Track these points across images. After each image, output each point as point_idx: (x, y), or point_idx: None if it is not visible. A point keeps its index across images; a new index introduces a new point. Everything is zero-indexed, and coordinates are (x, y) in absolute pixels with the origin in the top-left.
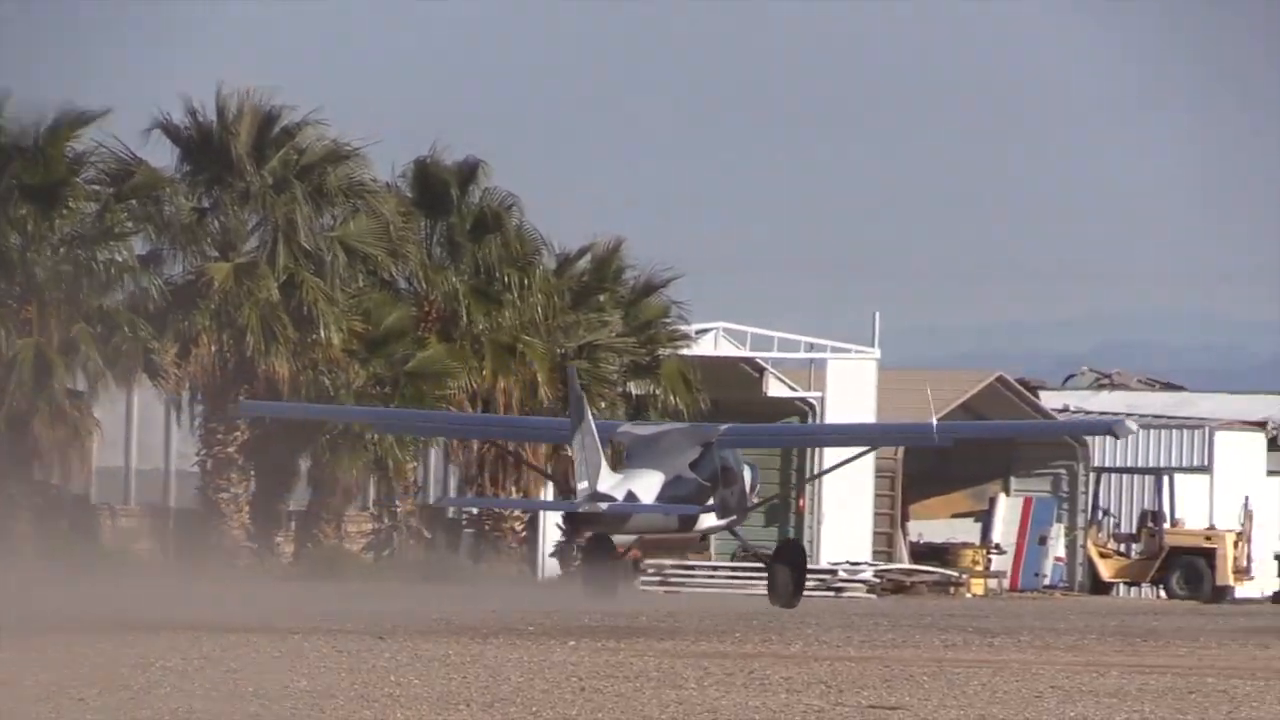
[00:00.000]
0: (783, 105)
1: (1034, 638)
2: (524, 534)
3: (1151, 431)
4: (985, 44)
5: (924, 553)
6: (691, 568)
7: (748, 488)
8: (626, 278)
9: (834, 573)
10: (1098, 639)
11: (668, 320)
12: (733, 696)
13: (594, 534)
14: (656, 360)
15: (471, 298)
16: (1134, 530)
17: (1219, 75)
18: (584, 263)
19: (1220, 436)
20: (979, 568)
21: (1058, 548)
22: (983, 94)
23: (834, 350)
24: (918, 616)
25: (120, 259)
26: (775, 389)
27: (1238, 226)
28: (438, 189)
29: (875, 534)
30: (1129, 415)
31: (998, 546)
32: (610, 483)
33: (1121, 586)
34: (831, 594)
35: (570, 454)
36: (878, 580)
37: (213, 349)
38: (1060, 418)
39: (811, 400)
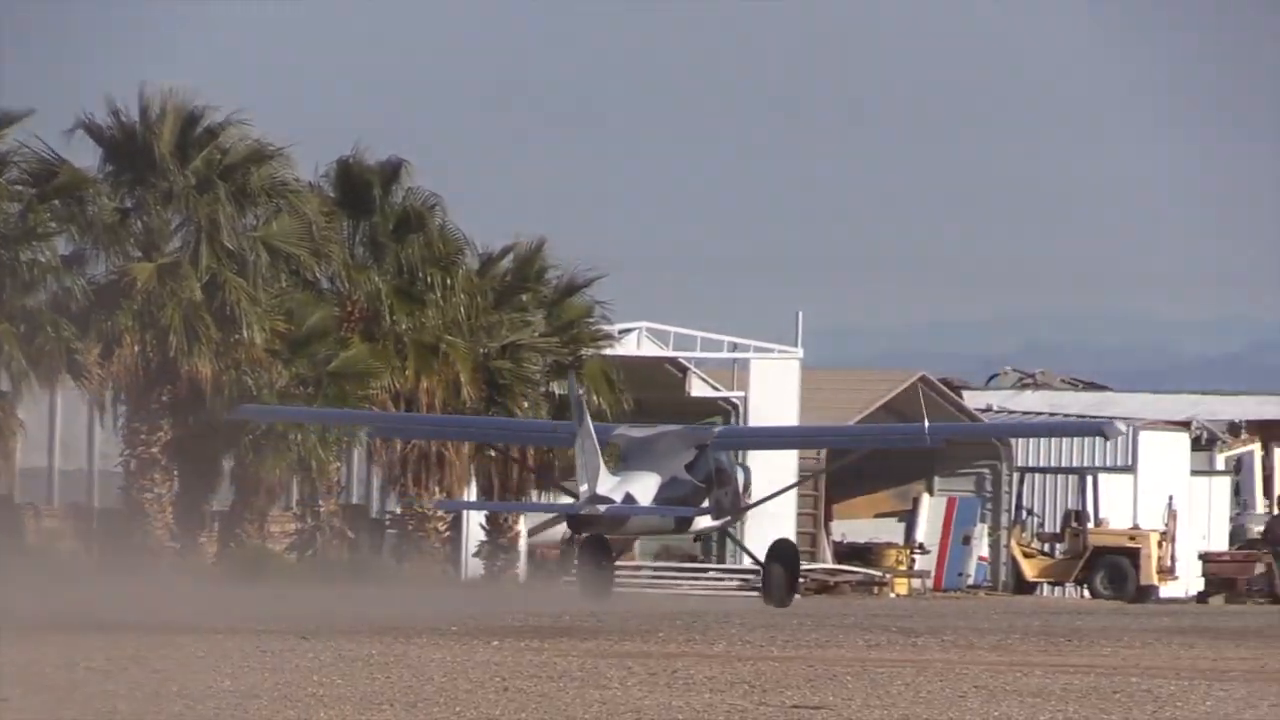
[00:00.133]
0: (705, 105)
1: (958, 637)
2: (447, 534)
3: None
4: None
5: (847, 553)
6: (615, 567)
7: (741, 488)
8: (549, 277)
9: (757, 573)
10: (1021, 639)
11: (591, 320)
12: (656, 696)
13: (590, 535)
14: (579, 360)
15: (394, 297)
16: (1058, 530)
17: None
18: (507, 262)
19: (1144, 436)
20: (903, 568)
21: (981, 547)
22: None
23: (757, 350)
24: (841, 616)
25: (43, 259)
26: (698, 389)
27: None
28: (360, 189)
29: (799, 534)
30: (1053, 413)
31: (921, 546)
32: (608, 485)
33: (1045, 586)
34: (755, 594)
35: (492, 454)
36: (802, 580)
37: (136, 349)
38: (985, 418)
39: (735, 400)
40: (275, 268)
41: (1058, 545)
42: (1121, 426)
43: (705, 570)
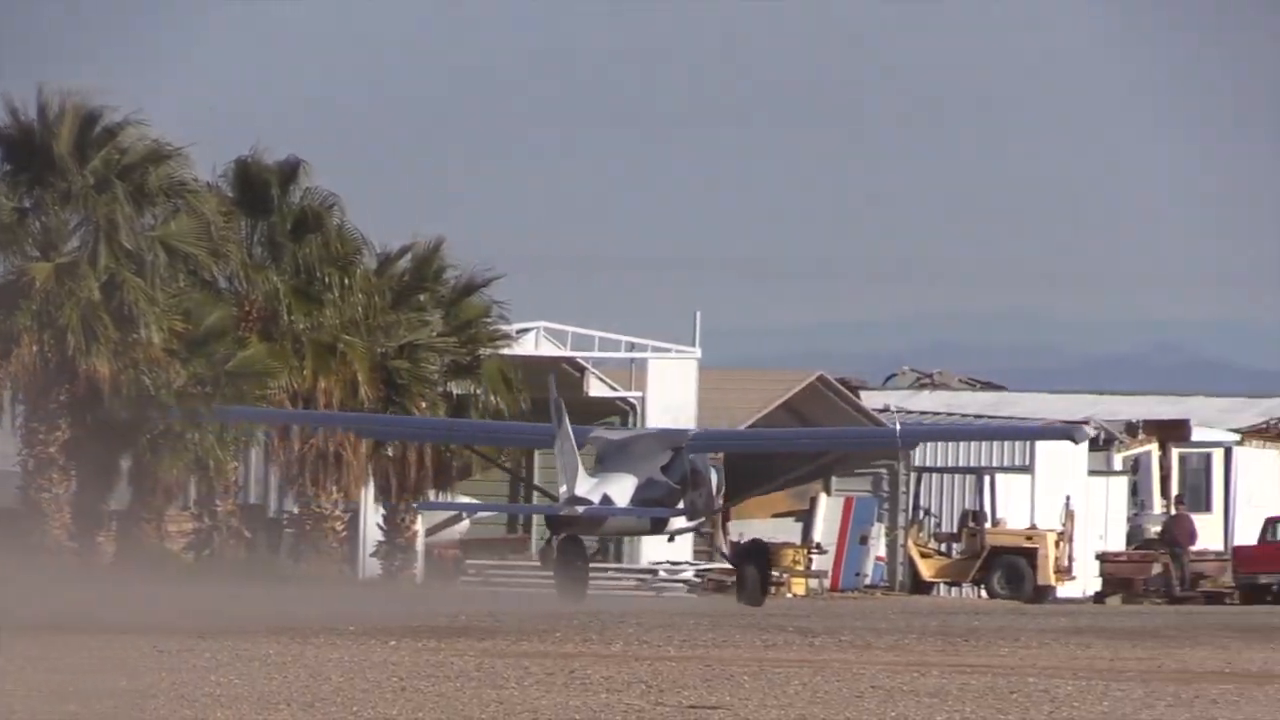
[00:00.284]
0: (603, 105)
1: (855, 637)
2: (344, 533)
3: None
4: (801, 45)
5: (745, 551)
6: (512, 567)
7: (714, 490)
8: (447, 277)
9: (654, 573)
10: (918, 639)
11: (488, 320)
12: (553, 696)
13: (567, 536)
14: (477, 360)
15: (292, 297)
16: (955, 530)
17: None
18: (405, 262)
19: None
20: (800, 567)
21: (879, 547)
22: (807, 91)
23: (655, 350)
24: (738, 616)
25: None
26: (596, 389)
27: (1060, 229)
28: (259, 189)
29: (696, 533)
30: (950, 414)
31: (819, 546)
32: (586, 486)
33: (942, 586)
34: (652, 594)
35: (390, 454)
36: (699, 580)
37: (34, 349)
38: (882, 418)
39: (633, 400)
40: (173, 267)
41: (955, 545)
42: (1090, 430)
43: (604, 570)
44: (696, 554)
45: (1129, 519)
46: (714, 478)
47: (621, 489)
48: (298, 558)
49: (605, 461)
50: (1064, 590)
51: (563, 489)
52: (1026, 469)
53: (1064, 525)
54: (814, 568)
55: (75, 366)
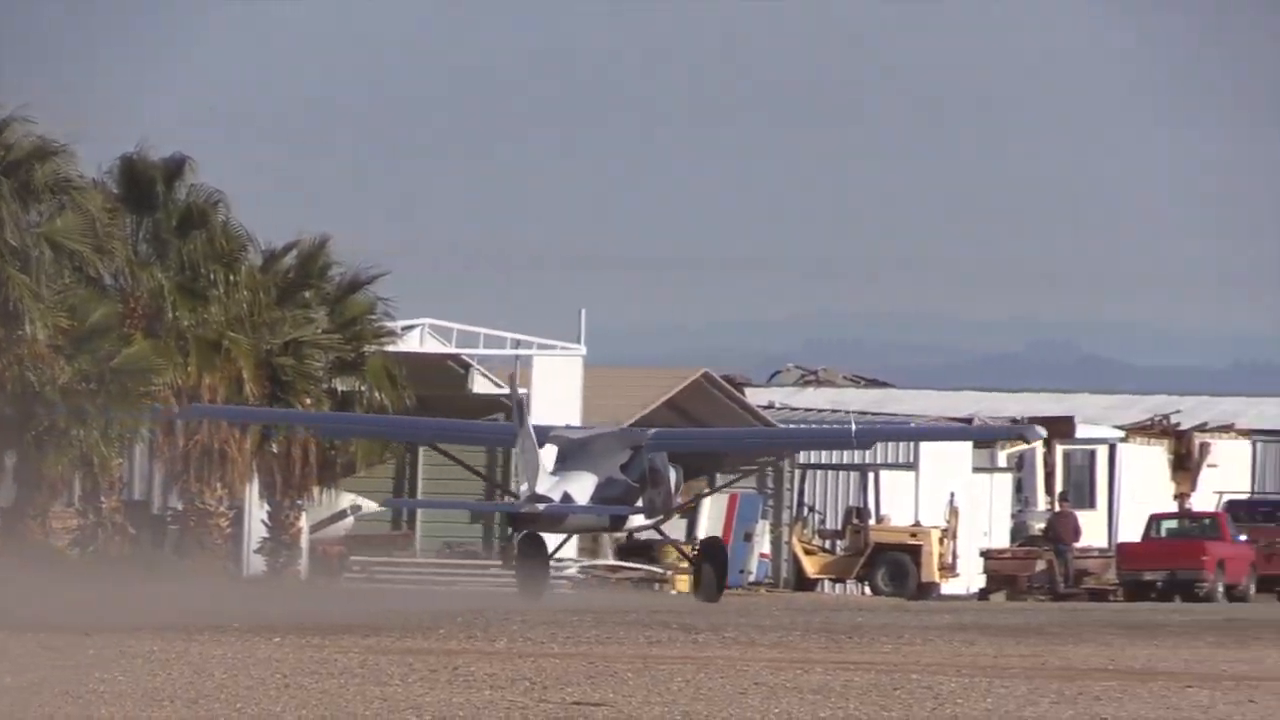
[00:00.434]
0: (488, 100)
1: (739, 634)
2: (229, 530)
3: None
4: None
5: (629, 549)
6: (396, 564)
7: (673, 488)
8: (332, 274)
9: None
10: (802, 635)
11: (373, 317)
12: (437, 693)
13: (528, 533)
14: (362, 357)
15: (177, 294)
16: (839, 527)
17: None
18: (290, 259)
19: None
20: (684, 564)
21: (763, 544)
22: (686, 90)
23: (540, 347)
24: (623, 613)
25: None
26: (481, 386)
27: (947, 224)
28: (144, 185)
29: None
30: (835, 410)
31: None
32: (547, 484)
33: (827, 583)
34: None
35: (274, 450)
36: (583, 576)
37: None
38: (766, 414)
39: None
40: (58, 264)
41: (839, 542)
42: (1042, 431)
43: (487, 567)
44: (580, 550)
45: (1013, 516)
46: (673, 476)
47: (582, 487)
48: (182, 554)
49: (566, 460)
50: (948, 587)
51: (523, 487)
52: (911, 466)
53: (948, 522)
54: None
55: None
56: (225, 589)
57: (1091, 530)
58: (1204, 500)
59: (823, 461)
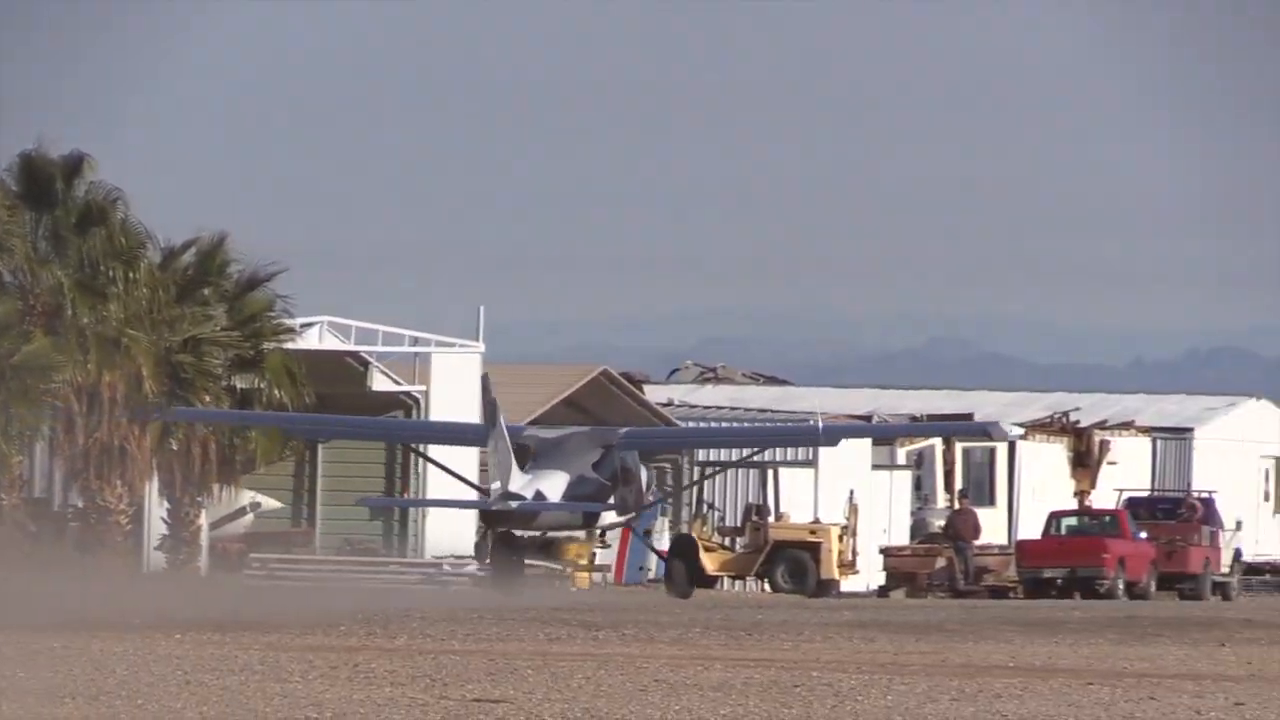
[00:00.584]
0: (395, 99)
1: (639, 631)
2: (129, 527)
3: (756, 426)
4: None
5: (528, 546)
6: (296, 561)
7: (644, 487)
8: (231, 272)
9: (439, 566)
10: (702, 633)
11: (272, 314)
12: (337, 690)
13: (502, 532)
14: (261, 354)
15: (76, 291)
16: (739, 524)
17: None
18: (189, 256)
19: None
20: (583, 561)
21: (662, 541)
22: (583, 87)
23: (439, 345)
24: (522, 610)
25: None
26: (380, 383)
27: (848, 221)
28: (43, 183)
29: (478, 527)
30: (734, 408)
31: (602, 540)
32: (520, 482)
33: (726, 580)
34: (436, 587)
35: (174, 447)
36: (482, 573)
37: None
38: (665, 412)
39: (416, 394)
40: None
41: (738, 539)
42: (1008, 428)
43: (386, 564)
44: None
45: (913, 513)
46: (644, 475)
47: (554, 485)
48: (83, 551)
49: (539, 459)
50: (848, 584)
51: (495, 484)
52: (810, 463)
53: (847, 519)
54: (597, 561)
55: None
56: (126, 586)
57: (991, 527)
58: (1104, 498)
59: (722, 458)
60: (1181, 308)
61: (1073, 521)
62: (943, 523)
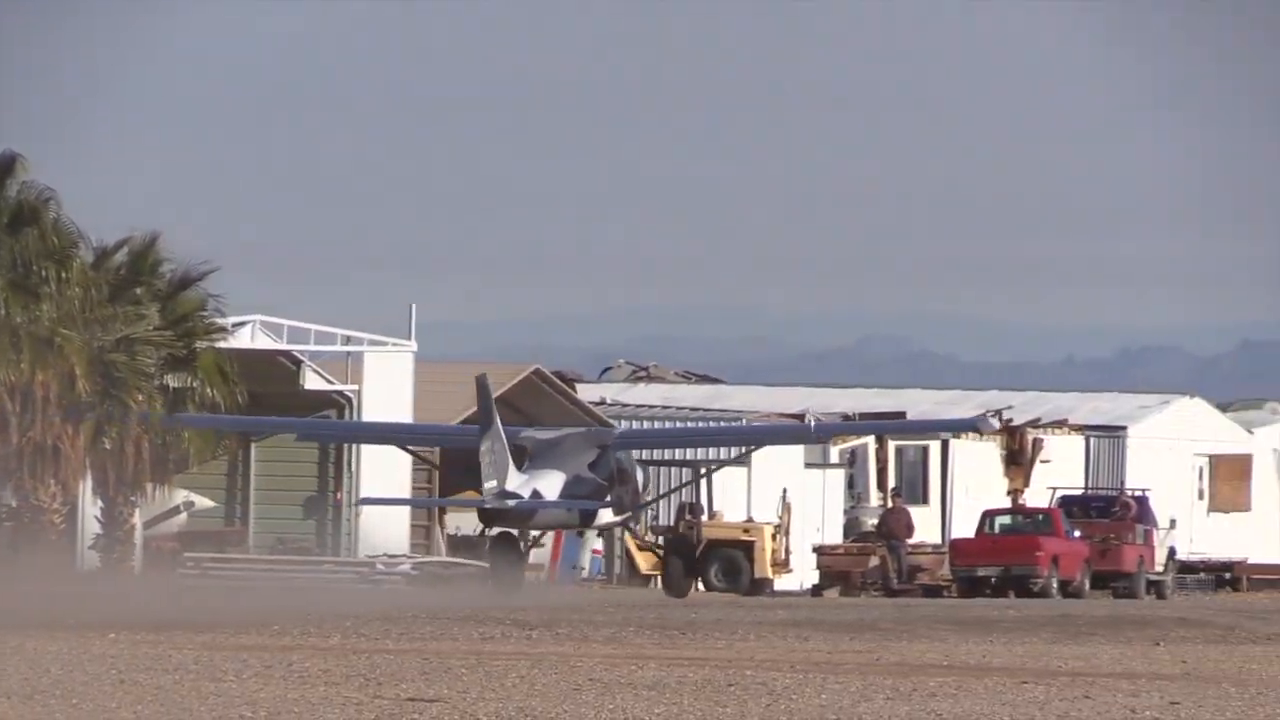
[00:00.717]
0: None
1: (572, 630)
2: (63, 526)
3: (689, 425)
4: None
5: (462, 545)
6: (230, 560)
7: (639, 486)
8: (163, 271)
9: (372, 565)
10: (636, 631)
11: (204, 313)
12: (271, 689)
13: (500, 531)
14: (193, 353)
15: (8, 291)
16: (672, 523)
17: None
18: (121, 256)
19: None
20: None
21: (595, 540)
22: (505, 89)
23: (371, 343)
24: (456, 609)
25: None
26: (313, 382)
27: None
28: None
29: (413, 526)
30: (666, 406)
31: (536, 538)
32: (517, 482)
33: (659, 579)
34: (369, 586)
35: (107, 446)
36: (416, 572)
37: None
38: (597, 410)
39: (349, 393)
40: None
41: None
42: (995, 422)
43: (321, 563)
44: (414, 546)
45: (846, 511)
46: (639, 475)
47: (550, 484)
48: (16, 550)
49: (535, 459)
50: (781, 583)
51: (491, 484)
52: (743, 461)
53: (781, 518)
54: (531, 560)
55: None
56: (60, 585)
57: (925, 526)
58: (1037, 496)
59: (655, 457)
60: (1113, 306)
61: (1006, 520)
62: (876, 521)
